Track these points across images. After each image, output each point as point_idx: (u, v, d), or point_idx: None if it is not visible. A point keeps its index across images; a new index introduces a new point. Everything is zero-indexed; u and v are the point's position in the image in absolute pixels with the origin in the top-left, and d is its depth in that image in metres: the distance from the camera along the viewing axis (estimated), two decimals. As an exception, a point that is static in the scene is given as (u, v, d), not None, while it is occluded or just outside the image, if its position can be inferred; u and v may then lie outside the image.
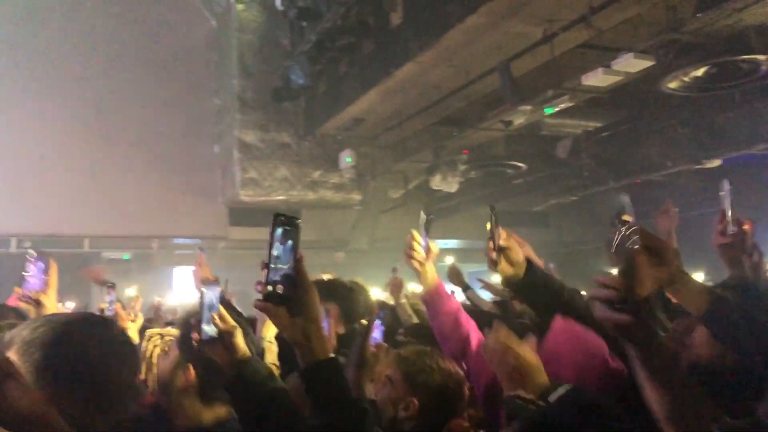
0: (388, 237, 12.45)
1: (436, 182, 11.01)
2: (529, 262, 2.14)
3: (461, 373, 2.41)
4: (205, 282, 1.84)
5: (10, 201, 10.76)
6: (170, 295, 10.26)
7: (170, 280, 12.03)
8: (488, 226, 2.22)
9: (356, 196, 12.61)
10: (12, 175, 10.90)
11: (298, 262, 1.42)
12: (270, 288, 1.40)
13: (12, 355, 1.29)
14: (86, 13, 11.70)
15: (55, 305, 2.72)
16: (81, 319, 1.47)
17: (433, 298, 2.64)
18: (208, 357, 1.76)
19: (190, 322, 2.00)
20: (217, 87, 12.66)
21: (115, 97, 11.71)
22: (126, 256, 12.12)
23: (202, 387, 2.00)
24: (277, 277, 1.40)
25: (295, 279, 1.41)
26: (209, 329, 1.73)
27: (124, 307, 3.80)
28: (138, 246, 12.28)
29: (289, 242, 1.41)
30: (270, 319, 1.44)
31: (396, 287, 3.41)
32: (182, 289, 10.34)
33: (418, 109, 9.85)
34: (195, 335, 1.76)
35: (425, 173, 11.64)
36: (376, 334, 2.31)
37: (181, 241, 12.74)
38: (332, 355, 1.46)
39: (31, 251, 2.74)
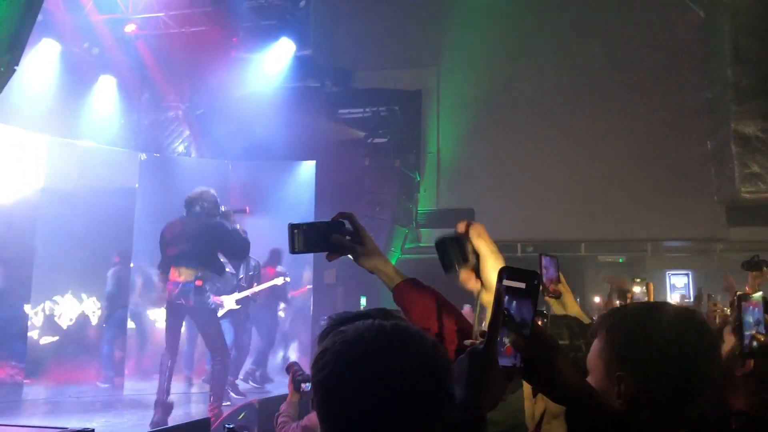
0: None
1: None
2: None
3: None
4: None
5: (515, 211, 12.08)
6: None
7: (663, 283, 11.78)
8: None
9: None
10: (515, 188, 12.22)
11: None
12: None
13: (598, 340, 1.42)
14: (575, 22, 12.42)
15: (571, 296, 2.89)
16: (665, 306, 1.49)
17: None
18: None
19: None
20: (707, 79, 11.94)
21: (606, 104, 12.12)
22: (621, 259, 12.30)
23: (759, 374, 2.02)
24: None
25: None
26: None
27: None
28: (632, 249, 12.35)
29: None
30: None
31: None
32: (675, 293, 10.03)
33: None
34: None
35: None
36: None
37: (672, 243, 12.36)
38: None
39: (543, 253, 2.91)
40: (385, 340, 1.12)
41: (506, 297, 1.18)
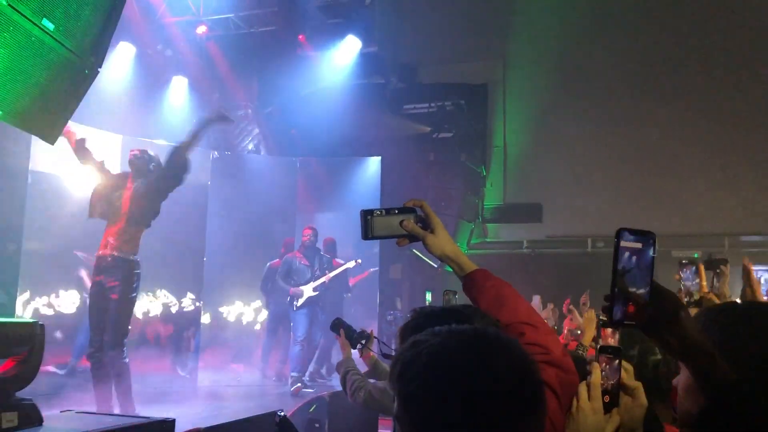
0: None
1: None
2: None
3: None
4: None
5: (584, 205, 11.85)
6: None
7: (739, 280, 11.33)
8: None
9: None
10: (585, 181, 11.97)
11: None
12: None
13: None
14: (648, 13, 12.09)
15: None
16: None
17: None
18: None
19: None
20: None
21: (682, 94, 11.76)
22: (696, 254, 11.88)
23: None
24: None
25: None
26: None
27: None
28: (708, 244, 11.92)
29: None
30: None
31: None
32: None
33: None
34: None
35: None
36: None
37: (752, 238, 11.87)
38: None
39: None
40: (475, 349, 1.11)
41: (625, 256, 1.24)
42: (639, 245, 1.25)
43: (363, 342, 3.53)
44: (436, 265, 11.26)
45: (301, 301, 8.50)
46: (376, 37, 10.38)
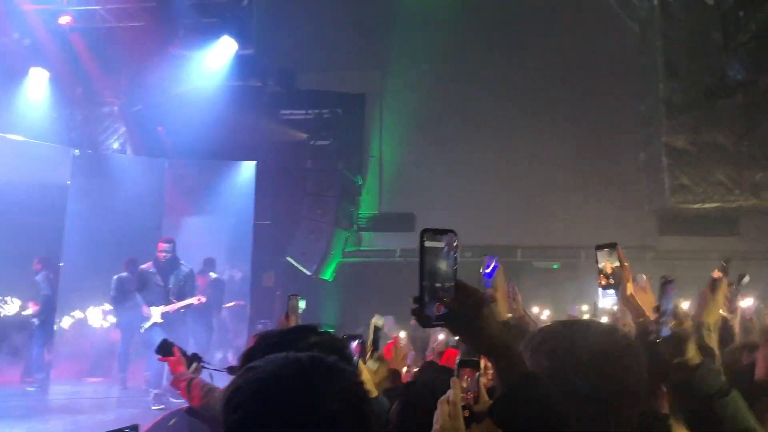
0: None
1: None
2: None
3: None
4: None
5: (454, 216, 12.16)
6: (597, 303, 10.30)
7: (594, 288, 12.07)
8: None
9: (810, 200, 10.89)
10: (455, 193, 12.34)
11: None
12: None
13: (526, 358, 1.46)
14: (515, 33, 12.64)
15: (505, 299, 2.93)
16: (587, 324, 1.57)
17: None
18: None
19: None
20: (641, 93, 12.33)
21: (544, 114, 12.35)
22: (555, 265, 12.56)
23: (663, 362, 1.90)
24: None
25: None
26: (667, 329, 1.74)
27: None
28: (566, 256, 12.63)
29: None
30: None
31: None
32: (606, 297, 10.30)
33: None
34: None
35: None
36: None
37: (606, 251, 12.72)
38: None
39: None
40: (304, 376, 1.08)
41: (430, 256, 1.25)
42: (442, 244, 1.26)
43: (197, 363, 3.26)
44: (309, 273, 11.18)
45: (147, 324, 8.02)
46: (253, 39, 10.19)
